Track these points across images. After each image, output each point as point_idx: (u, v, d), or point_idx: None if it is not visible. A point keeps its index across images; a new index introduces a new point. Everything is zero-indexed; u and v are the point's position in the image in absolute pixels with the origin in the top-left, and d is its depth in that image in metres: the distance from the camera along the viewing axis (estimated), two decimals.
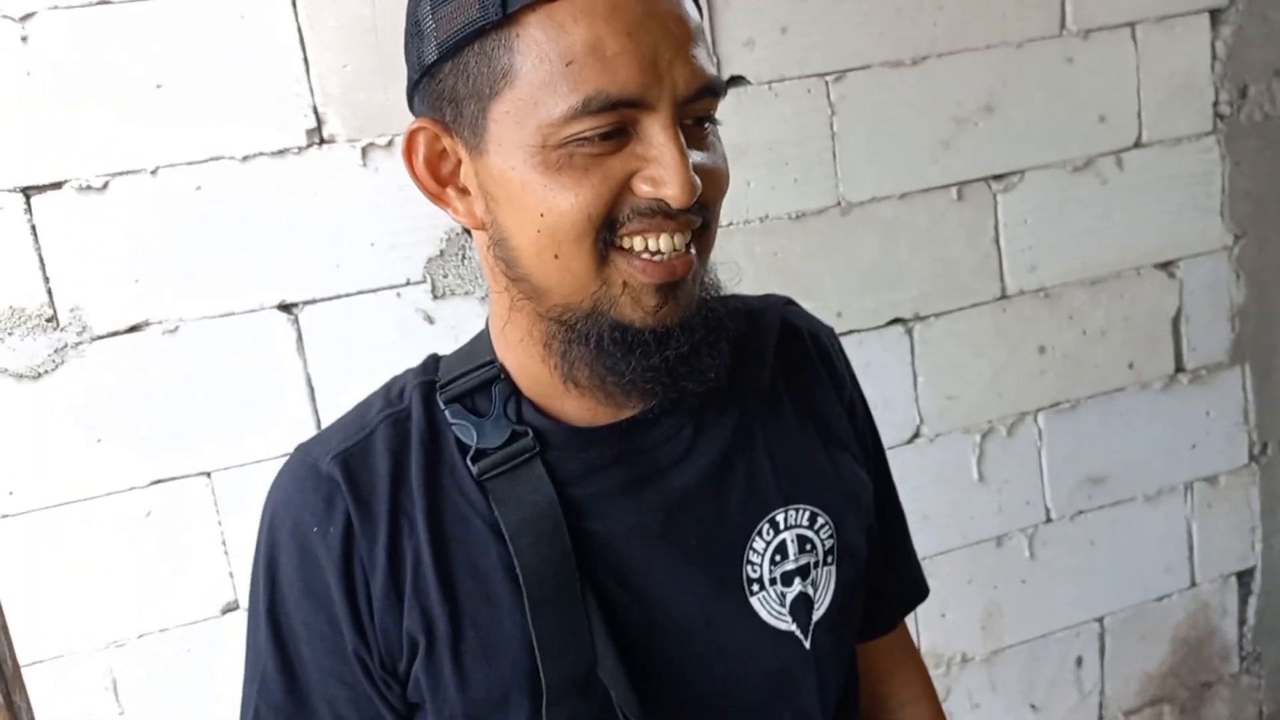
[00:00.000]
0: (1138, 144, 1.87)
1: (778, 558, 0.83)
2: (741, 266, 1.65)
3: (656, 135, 0.69)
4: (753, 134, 1.66)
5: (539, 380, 0.80)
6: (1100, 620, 2.00)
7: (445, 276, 1.52)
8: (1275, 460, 2.07)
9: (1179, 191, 1.91)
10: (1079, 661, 2.00)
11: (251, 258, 1.43)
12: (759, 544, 0.82)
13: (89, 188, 1.35)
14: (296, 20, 1.41)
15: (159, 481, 1.42)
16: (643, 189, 0.70)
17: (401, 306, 1.51)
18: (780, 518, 0.83)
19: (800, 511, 0.84)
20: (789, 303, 0.96)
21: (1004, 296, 1.84)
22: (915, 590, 1.04)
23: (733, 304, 0.82)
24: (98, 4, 1.33)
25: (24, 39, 1.31)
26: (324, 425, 1.44)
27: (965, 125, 1.77)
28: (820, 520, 0.84)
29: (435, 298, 1.52)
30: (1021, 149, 1.80)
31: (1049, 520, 1.92)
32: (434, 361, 0.86)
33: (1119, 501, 1.96)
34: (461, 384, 0.81)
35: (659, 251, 0.71)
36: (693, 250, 0.73)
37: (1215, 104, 1.91)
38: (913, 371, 1.81)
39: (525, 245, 0.72)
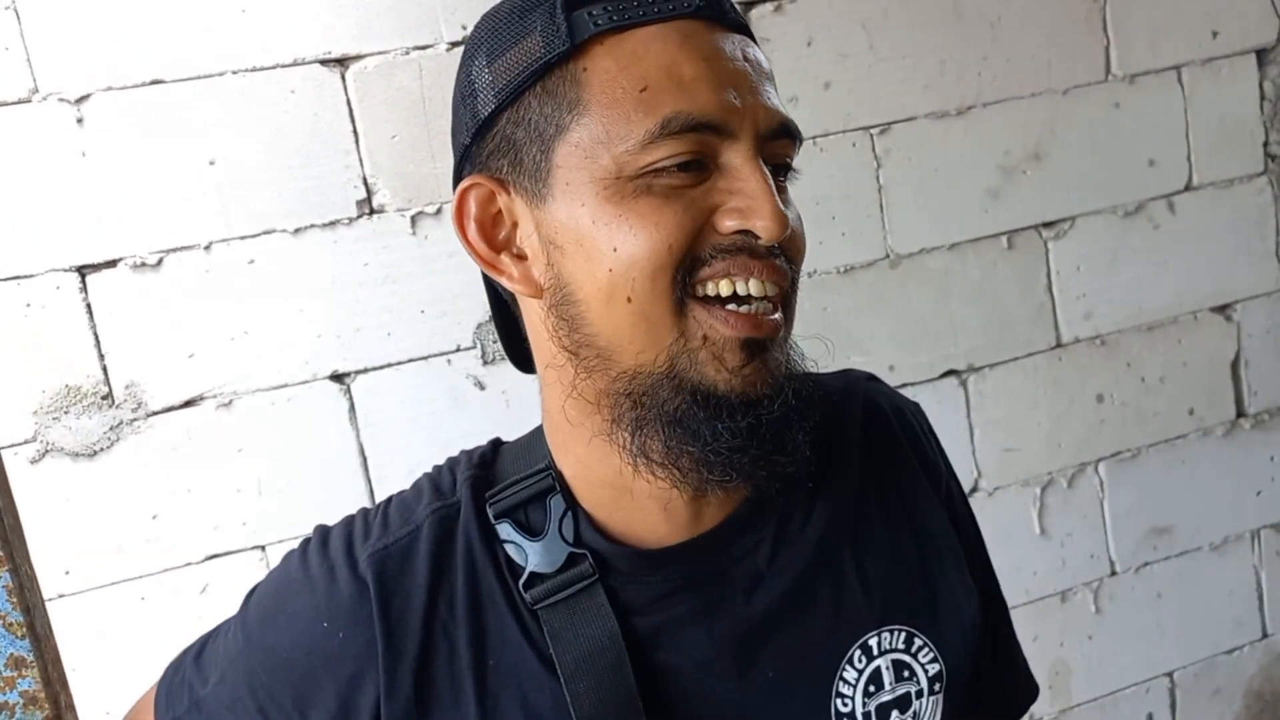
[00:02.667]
0: (1189, 187, 1.85)
1: (872, 689, 0.73)
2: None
3: (741, 165, 0.64)
4: (799, 189, 1.63)
5: (601, 484, 0.71)
6: (1170, 675, 1.93)
7: (495, 342, 1.51)
8: None
9: (1232, 234, 1.88)
10: (1150, 719, 1.93)
11: (304, 329, 1.43)
12: (850, 674, 0.73)
13: (143, 265, 1.36)
14: (346, 94, 1.42)
15: (214, 557, 1.41)
16: (728, 223, 0.64)
17: (452, 373, 1.50)
18: (874, 642, 0.74)
19: (896, 634, 0.74)
20: (871, 379, 0.86)
21: (1059, 345, 1.81)
22: (1026, 692, 0.91)
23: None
24: (150, 84, 1.35)
25: (79, 120, 1.33)
26: (376, 495, 1.44)
27: (1013, 174, 1.75)
28: (918, 643, 0.75)
29: (486, 363, 1.51)
30: (1071, 196, 1.78)
31: (1114, 573, 1.87)
32: (492, 451, 0.77)
33: (1185, 552, 1.91)
34: (514, 494, 0.72)
35: (746, 299, 0.64)
36: (778, 316, 0.66)
37: (1266, 144, 1.89)
38: (969, 424, 1.77)
39: (594, 292, 0.65)
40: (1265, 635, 1.99)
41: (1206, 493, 1.91)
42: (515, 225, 0.69)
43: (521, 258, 0.69)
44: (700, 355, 0.64)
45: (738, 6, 0.71)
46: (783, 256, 0.66)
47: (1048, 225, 1.78)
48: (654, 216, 0.63)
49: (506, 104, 0.67)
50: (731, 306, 0.64)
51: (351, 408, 1.45)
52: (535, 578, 0.69)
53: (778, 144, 0.67)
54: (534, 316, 0.70)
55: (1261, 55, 1.87)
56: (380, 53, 1.43)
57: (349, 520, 0.74)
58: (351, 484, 1.46)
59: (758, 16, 1.60)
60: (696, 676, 0.70)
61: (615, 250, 0.63)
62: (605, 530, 0.71)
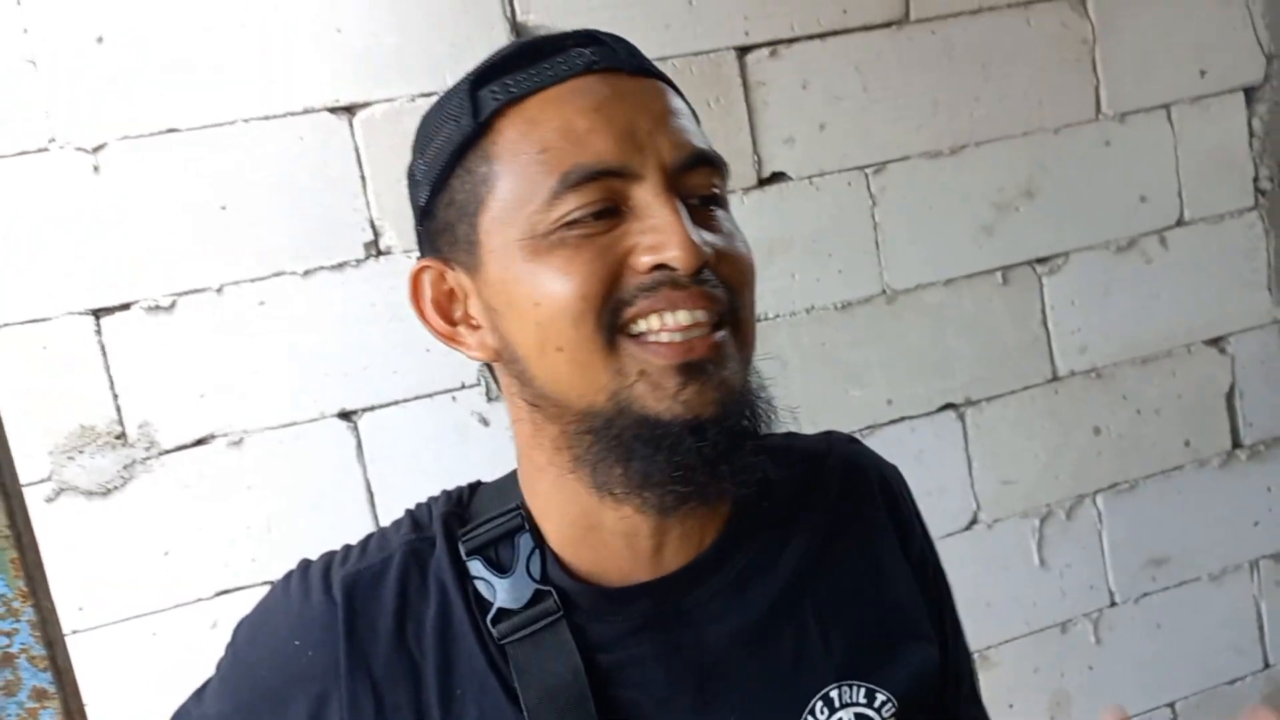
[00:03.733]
0: (1180, 222, 1.88)
1: None
2: (789, 358, 1.66)
3: (650, 202, 0.65)
4: (796, 227, 1.68)
5: (568, 523, 0.73)
6: (1172, 706, 1.94)
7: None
8: None
9: (1224, 267, 1.91)
10: None
11: (312, 367, 1.46)
12: None
13: (157, 307, 1.40)
14: (354, 140, 1.46)
15: (224, 592, 1.44)
16: (643, 260, 0.65)
17: (457, 410, 1.53)
18: (835, 694, 0.74)
19: (856, 688, 0.75)
20: (853, 441, 0.88)
21: (1055, 378, 1.84)
22: None
23: (791, 444, 0.79)
24: (165, 132, 1.39)
25: (95, 169, 1.37)
26: None
27: (1007, 210, 1.78)
28: (880, 698, 0.75)
29: (489, 400, 1.54)
30: (1064, 231, 1.82)
31: (1113, 604, 1.89)
32: (470, 492, 0.80)
33: (1184, 582, 1.93)
34: (485, 532, 0.74)
35: (676, 330, 0.65)
36: (721, 335, 0.67)
37: (1256, 180, 1.92)
38: (967, 457, 1.80)
39: (531, 347, 0.67)
40: (1267, 665, 2.00)
41: (1204, 523, 1.93)
42: (466, 298, 0.72)
43: (476, 328, 0.72)
44: (638, 388, 0.65)
45: (641, 51, 0.72)
46: (716, 281, 0.67)
47: (1041, 260, 1.81)
48: (567, 267, 0.65)
49: (438, 189, 0.71)
50: (663, 338, 0.65)
51: (359, 444, 1.48)
52: (502, 613, 0.72)
53: (695, 175, 0.68)
54: (502, 378, 0.74)
55: (1249, 93, 1.91)
56: (387, 100, 1.47)
57: (331, 551, 0.77)
58: (358, 519, 1.49)
59: (754, 61, 1.65)
60: (657, 714, 0.72)
61: (538, 304, 0.66)
62: (571, 568, 0.73)
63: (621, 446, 0.66)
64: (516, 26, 1.52)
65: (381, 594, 0.72)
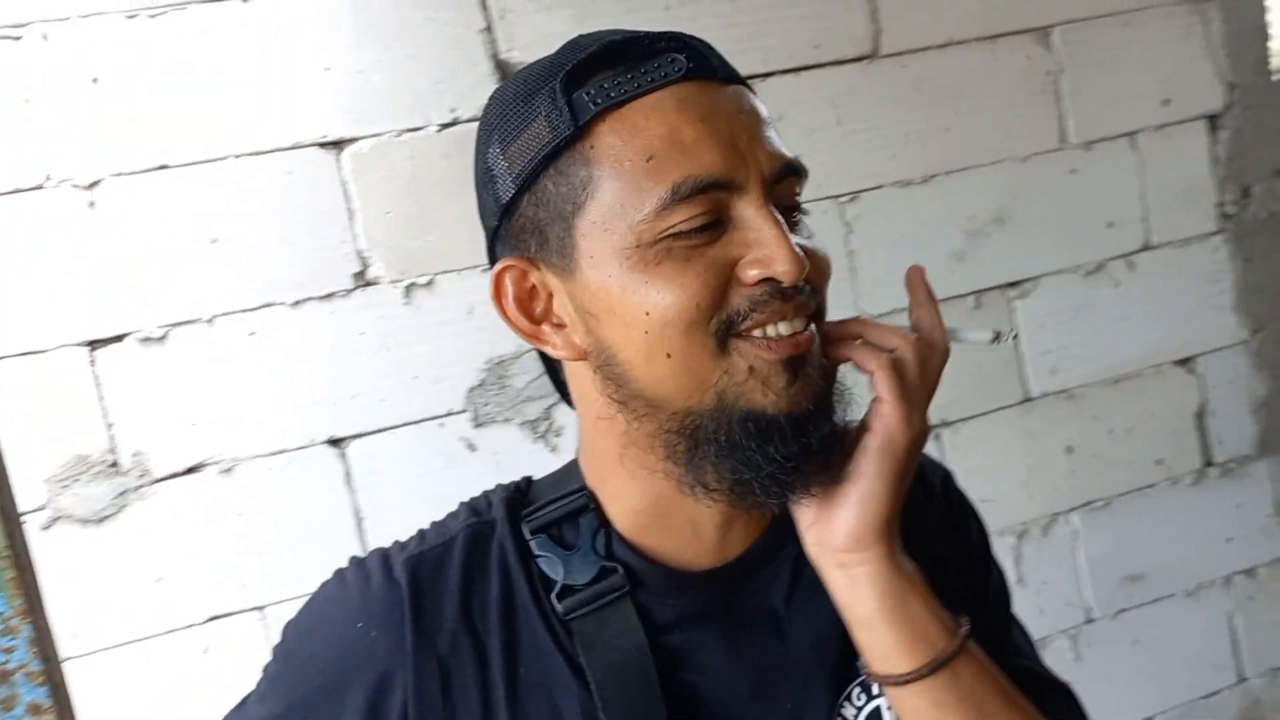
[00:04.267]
0: (1147, 246, 1.93)
1: None
2: None
3: (753, 216, 0.67)
4: None
5: (636, 511, 0.75)
6: None
7: (486, 405, 1.58)
8: None
9: (1191, 290, 1.96)
10: None
11: (302, 396, 1.50)
12: (849, 710, 0.77)
13: (150, 339, 1.43)
14: (341, 175, 1.50)
15: (215, 618, 1.46)
16: (750, 274, 0.67)
17: (445, 436, 1.57)
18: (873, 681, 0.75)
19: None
20: None
21: (1028, 399, 1.88)
22: (1062, 696, 0.91)
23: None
24: (157, 169, 1.43)
25: (91, 204, 1.41)
26: None
27: (978, 237, 1.84)
28: None
29: (477, 426, 1.58)
30: (1034, 257, 1.87)
31: (1091, 620, 1.92)
32: (526, 482, 0.82)
33: (1159, 598, 1.96)
34: (548, 512, 0.77)
35: (779, 335, 0.68)
36: (812, 331, 0.70)
37: (1220, 204, 1.98)
38: None
39: (635, 353, 0.69)
40: (1242, 679, 2.04)
41: (1178, 540, 1.97)
42: (551, 297, 0.73)
43: (561, 326, 0.73)
44: (747, 384, 0.68)
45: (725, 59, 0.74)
46: (810, 288, 0.69)
47: (1013, 285, 1.86)
48: (679, 279, 0.66)
49: (524, 188, 0.71)
50: (771, 334, 0.68)
51: (348, 471, 1.52)
52: (567, 589, 0.74)
53: (784, 185, 0.70)
54: (579, 376, 0.75)
55: (1212, 120, 1.97)
56: (374, 135, 1.52)
57: (382, 546, 0.78)
58: (347, 544, 1.52)
59: None
60: (718, 696, 0.75)
61: (648, 314, 0.67)
62: (638, 548, 0.76)
63: (727, 441, 0.68)
64: (500, 64, 1.57)
65: (446, 574, 0.74)
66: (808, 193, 1.84)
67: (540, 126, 0.69)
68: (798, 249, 0.66)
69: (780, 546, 0.78)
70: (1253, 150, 1.99)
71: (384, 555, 0.76)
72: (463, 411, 1.57)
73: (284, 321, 1.48)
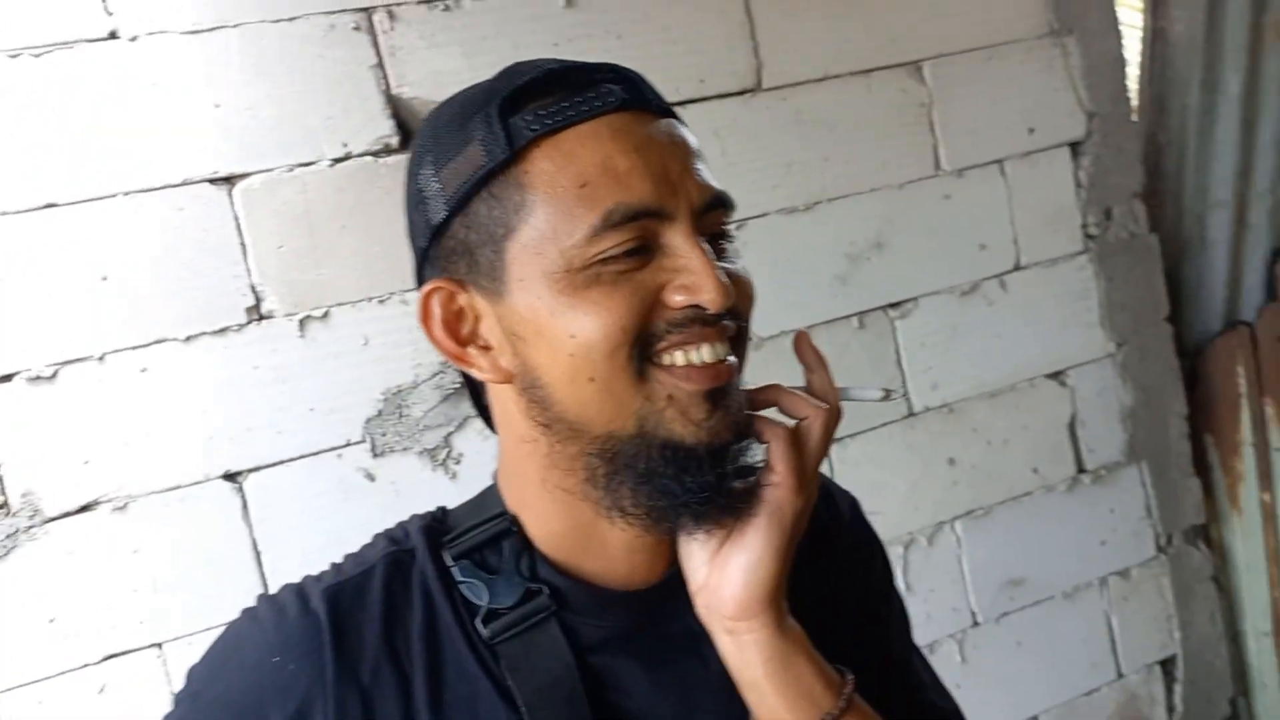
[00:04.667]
0: (1018, 267, 2.04)
1: None
2: None
3: (681, 245, 0.69)
4: None
5: (559, 534, 0.76)
6: (1035, 719, 2.07)
7: (384, 435, 1.60)
8: (1181, 551, 2.19)
9: (1060, 307, 2.08)
10: None
11: (196, 431, 1.50)
12: None
13: (39, 378, 1.43)
14: (233, 210, 1.52)
15: (112, 656, 1.45)
16: (676, 299, 0.68)
17: (342, 466, 1.58)
18: None
19: None
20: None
21: (911, 415, 1.97)
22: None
23: None
24: (45, 207, 1.43)
25: None
26: (270, 588, 1.50)
27: (859, 261, 1.92)
28: None
29: (375, 455, 1.60)
30: (913, 279, 1.96)
31: (976, 624, 2.01)
32: (442, 511, 0.82)
33: (1039, 601, 2.06)
34: (470, 538, 0.77)
35: (701, 363, 0.69)
36: (732, 360, 0.72)
37: (1084, 226, 2.10)
38: None
39: (559, 376, 0.70)
40: (1120, 676, 2.15)
41: (1055, 545, 2.07)
42: (478, 319, 0.74)
43: (487, 349, 0.74)
44: (667, 413, 0.69)
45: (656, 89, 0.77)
46: (731, 313, 0.71)
47: (894, 305, 1.95)
48: (605, 303, 0.68)
49: (456, 210, 0.72)
50: (689, 365, 0.69)
51: (244, 505, 1.52)
52: (492, 614, 0.74)
53: (712, 215, 0.72)
54: (503, 399, 0.76)
55: (1074, 147, 2.10)
56: (265, 170, 1.53)
57: (292, 582, 0.77)
58: (246, 578, 1.52)
59: None
60: (643, 719, 0.76)
61: (573, 337, 0.68)
62: (562, 568, 0.76)
63: (645, 468, 0.70)
64: (391, 99, 1.60)
65: (366, 604, 0.73)
66: None
67: (475, 150, 0.70)
68: (723, 277, 0.68)
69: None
70: (1112, 175, 2.11)
71: (298, 589, 0.75)
72: (361, 442, 1.59)
73: (177, 357, 1.49)
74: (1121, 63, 2.13)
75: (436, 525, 0.79)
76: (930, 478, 1.98)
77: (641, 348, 0.69)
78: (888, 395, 0.80)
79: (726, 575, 0.73)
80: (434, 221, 0.73)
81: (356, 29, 1.59)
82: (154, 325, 1.48)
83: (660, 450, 0.69)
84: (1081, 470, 2.11)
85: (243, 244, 1.52)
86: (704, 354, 0.69)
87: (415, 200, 0.75)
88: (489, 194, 0.70)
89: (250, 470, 1.53)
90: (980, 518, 2.02)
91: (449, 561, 0.76)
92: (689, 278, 0.68)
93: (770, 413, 0.77)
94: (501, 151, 0.69)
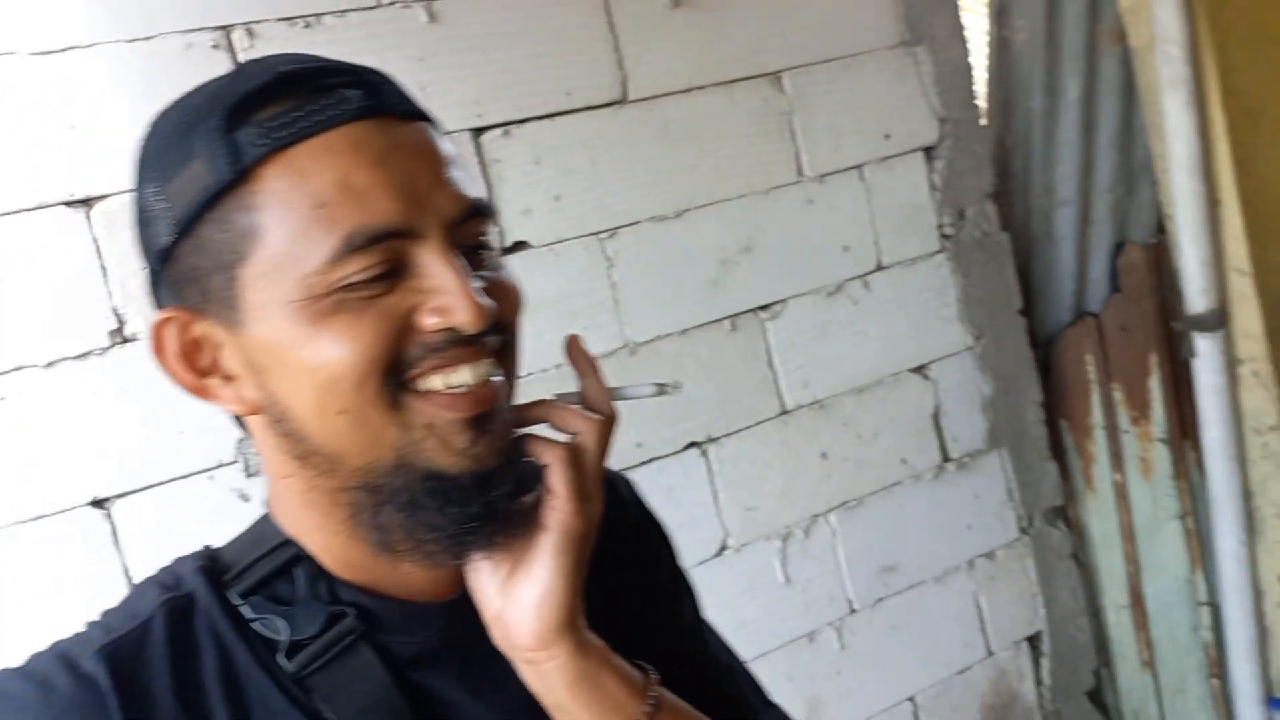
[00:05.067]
0: (879, 267, 2.13)
1: None
2: None
3: (432, 263, 0.64)
4: (540, 291, 1.82)
5: (350, 558, 0.71)
6: (912, 699, 2.16)
7: (257, 454, 1.59)
8: (1042, 531, 2.31)
9: (921, 304, 2.18)
10: None
11: (60, 458, 1.47)
12: None
13: None
14: (92, 232, 1.49)
15: None
16: (429, 322, 0.64)
17: (215, 489, 1.57)
18: None
19: None
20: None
21: (785, 412, 2.04)
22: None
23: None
24: None
25: None
26: None
27: (729, 265, 1.98)
28: None
29: (249, 475, 1.59)
30: (781, 281, 2.03)
31: (853, 611, 2.09)
32: (211, 550, 0.75)
33: (912, 586, 2.15)
34: (255, 572, 0.71)
35: (461, 385, 0.65)
36: (498, 378, 0.68)
37: (940, 227, 2.20)
38: (713, 489, 1.97)
39: (307, 409, 0.65)
40: (990, 653, 2.26)
41: (924, 531, 2.17)
42: (217, 349, 0.68)
43: (230, 379, 0.68)
44: (427, 443, 0.65)
45: (403, 87, 0.70)
46: (496, 330, 0.67)
47: (764, 308, 2.02)
48: (351, 331, 0.62)
49: (183, 234, 0.65)
50: (448, 391, 0.65)
51: (114, 531, 1.49)
52: (296, 646, 0.69)
53: (469, 226, 0.67)
54: (258, 431, 0.71)
55: (928, 152, 2.20)
56: (123, 192, 1.51)
57: (41, 650, 0.69)
58: None
59: (489, 140, 1.78)
60: None
61: (318, 369, 0.63)
62: (364, 587, 0.72)
63: (408, 501, 0.65)
64: None
65: (150, 659, 0.66)
66: (571, 230, 1.94)
67: (198, 168, 0.63)
68: (480, 295, 0.64)
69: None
70: (965, 178, 2.22)
71: (58, 655, 0.67)
72: (233, 463, 1.58)
73: (37, 384, 1.46)
74: (969, 70, 2.24)
75: (212, 565, 0.72)
76: (804, 472, 2.05)
77: (394, 376, 0.64)
78: (662, 390, 0.78)
79: (520, 608, 0.69)
80: (161, 245, 0.66)
81: (215, 47, 1.57)
82: (12, 353, 1.44)
83: (422, 481, 0.65)
84: (947, 459, 2.21)
85: (102, 266, 1.50)
86: (464, 376, 0.65)
87: (140, 220, 0.68)
88: (217, 216, 0.64)
89: (119, 496, 1.50)
90: (854, 508, 2.10)
91: (236, 600, 0.70)
92: (442, 299, 0.64)
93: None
94: (227, 171, 0.63)
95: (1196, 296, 2.15)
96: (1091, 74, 2.24)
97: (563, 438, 0.72)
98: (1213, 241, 2.12)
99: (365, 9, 1.69)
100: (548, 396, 0.75)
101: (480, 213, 0.68)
